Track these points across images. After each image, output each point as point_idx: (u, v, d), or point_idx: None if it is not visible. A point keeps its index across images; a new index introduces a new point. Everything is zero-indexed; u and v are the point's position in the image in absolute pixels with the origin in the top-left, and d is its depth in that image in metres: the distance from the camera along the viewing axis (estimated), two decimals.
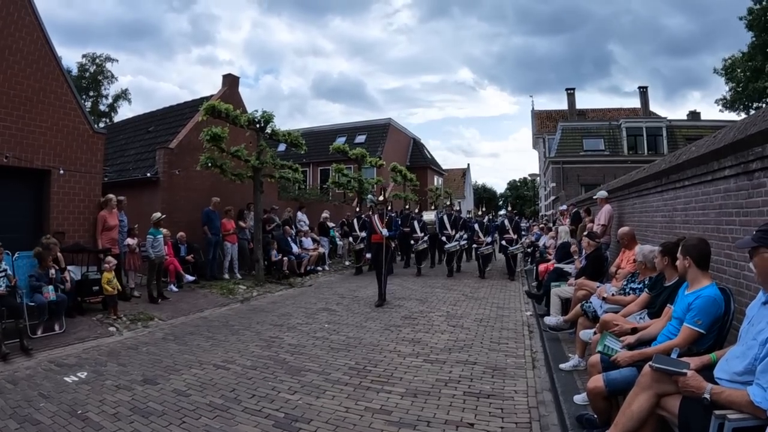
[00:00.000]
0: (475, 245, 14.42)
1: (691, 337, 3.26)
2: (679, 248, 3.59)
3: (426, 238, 14.95)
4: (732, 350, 2.84)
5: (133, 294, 9.54)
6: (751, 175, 3.82)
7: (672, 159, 6.01)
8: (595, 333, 4.45)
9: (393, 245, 13.79)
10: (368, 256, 11.39)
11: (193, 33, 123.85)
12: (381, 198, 10.75)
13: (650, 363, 2.87)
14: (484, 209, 16.77)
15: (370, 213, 10.78)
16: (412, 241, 14.90)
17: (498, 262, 15.76)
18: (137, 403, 4.50)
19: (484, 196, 67.30)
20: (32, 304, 6.65)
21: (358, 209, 16.16)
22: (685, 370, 2.70)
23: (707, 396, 2.55)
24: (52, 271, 7.11)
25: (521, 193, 71.70)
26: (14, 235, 7.85)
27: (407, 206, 18.85)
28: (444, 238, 14.71)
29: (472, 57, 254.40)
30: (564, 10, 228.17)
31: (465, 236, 14.82)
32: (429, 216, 16.22)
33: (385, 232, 9.70)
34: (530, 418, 4.24)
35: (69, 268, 8.02)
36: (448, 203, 17.16)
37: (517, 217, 15.55)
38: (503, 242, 14.08)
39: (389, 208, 14.60)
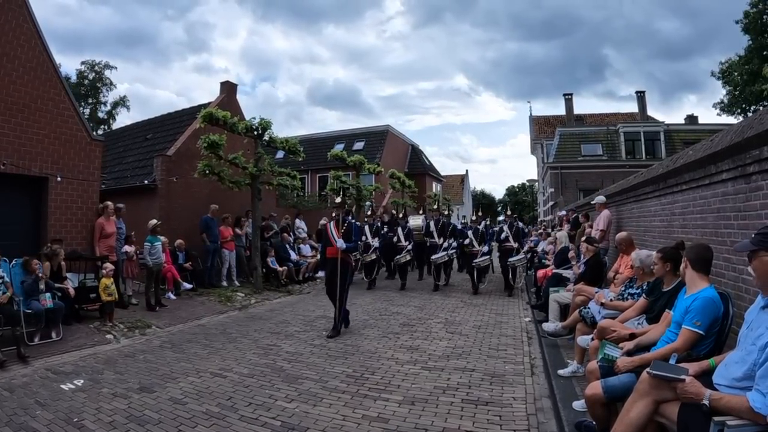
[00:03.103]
0: (469, 255, 12.48)
1: (691, 339, 3.23)
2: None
3: (410, 247, 13.11)
4: (731, 355, 2.82)
5: (130, 302, 9.51)
6: (748, 178, 3.82)
7: (669, 163, 6.01)
8: (593, 339, 4.43)
9: (377, 256, 13.00)
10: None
11: (189, 41, 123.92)
12: (338, 199, 8.62)
13: (648, 369, 2.85)
14: (479, 214, 14.81)
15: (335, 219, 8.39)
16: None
17: (495, 274, 14.76)
18: (133, 411, 4.47)
19: (483, 202, 67.34)
20: (29, 311, 6.63)
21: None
22: (683, 377, 2.67)
23: (706, 402, 2.53)
24: (42, 285, 7.04)
25: (520, 199, 71.73)
26: (11, 243, 7.88)
27: (393, 210, 17.63)
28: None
29: (467, 63, 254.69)
30: (556, 15, 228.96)
31: (454, 244, 13.41)
32: (416, 221, 14.12)
33: (340, 243, 7.67)
34: (529, 425, 4.21)
35: (66, 275, 8.00)
36: (435, 207, 15.14)
37: (517, 223, 13.14)
38: (502, 251, 11.99)
39: (370, 213, 14.04)
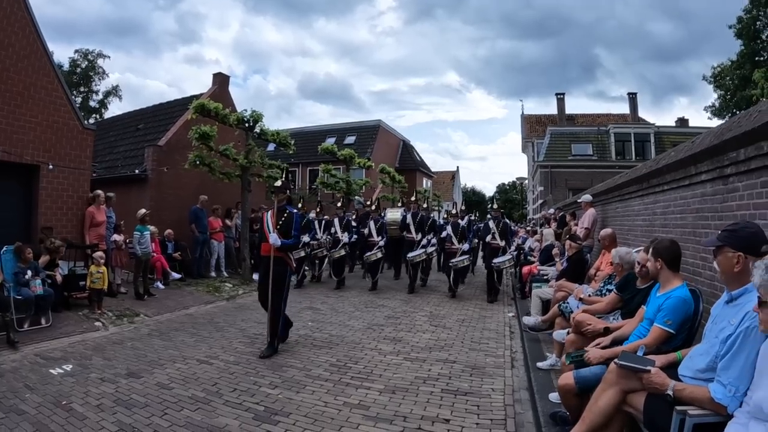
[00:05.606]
0: (447, 253, 11.10)
1: (661, 337, 3.34)
2: (650, 250, 3.68)
3: (381, 244, 11.58)
4: (696, 348, 2.93)
5: (119, 290, 9.55)
6: (726, 180, 3.94)
7: (653, 163, 6.15)
8: (569, 333, 4.54)
9: (345, 252, 11.99)
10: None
11: (180, 32, 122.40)
12: (279, 183, 6.79)
13: (616, 360, 2.96)
14: (463, 208, 13.25)
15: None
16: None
17: (478, 276, 13.79)
18: (121, 395, 4.55)
19: (474, 199, 67.42)
20: (19, 297, 6.66)
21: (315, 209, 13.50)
22: (649, 367, 2.78)
23: (670, 392, 2.63)
24: (28, 272, 7.06)
25: (510, 197, 71.88)
26: (2, 230, 7.90)
27: (368, 201, 15.98)
28: None
29: (459, 60, 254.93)
30: (547, 15, 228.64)
31: (433, 241, 12.06)
32: (393, 215, 12.69)
33: (273, 238, 6.00)
34: (506, 415, 4.32)
35: (57, 263, 8.03)
36: (413, 199, 13.48)
37: (505, 219, 11.74)
38: (487, 251, 10.75)
39: (339, 205, 13.20)
